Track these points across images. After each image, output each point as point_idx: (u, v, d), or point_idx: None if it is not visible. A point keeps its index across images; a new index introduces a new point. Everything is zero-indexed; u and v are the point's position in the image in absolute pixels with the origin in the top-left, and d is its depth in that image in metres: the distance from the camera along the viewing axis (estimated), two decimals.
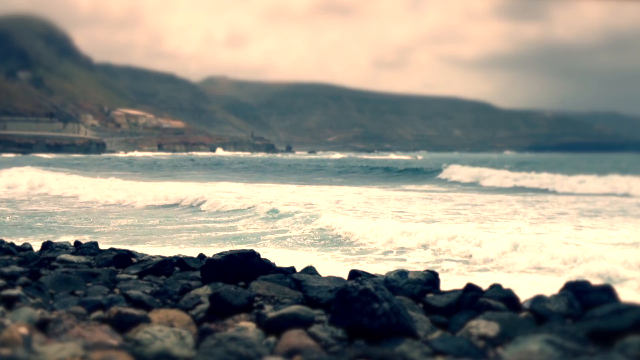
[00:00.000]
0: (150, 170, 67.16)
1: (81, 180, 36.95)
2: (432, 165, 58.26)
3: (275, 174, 58.33)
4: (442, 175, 47.07)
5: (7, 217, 19.91)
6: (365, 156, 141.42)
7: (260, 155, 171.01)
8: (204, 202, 23.14)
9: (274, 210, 19.69)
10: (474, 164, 57.70)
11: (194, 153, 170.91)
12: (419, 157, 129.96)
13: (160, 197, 25.14)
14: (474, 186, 39.38)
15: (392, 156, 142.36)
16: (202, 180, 44.75)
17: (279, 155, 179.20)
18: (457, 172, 46.99)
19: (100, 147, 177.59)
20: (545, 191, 34.84)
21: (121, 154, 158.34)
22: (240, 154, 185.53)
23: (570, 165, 78.21)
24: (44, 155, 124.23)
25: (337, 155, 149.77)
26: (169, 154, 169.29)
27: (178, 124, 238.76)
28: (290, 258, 11.07)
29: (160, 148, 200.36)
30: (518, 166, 66.86)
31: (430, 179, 46.41)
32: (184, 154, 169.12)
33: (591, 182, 35.86)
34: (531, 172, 44.62)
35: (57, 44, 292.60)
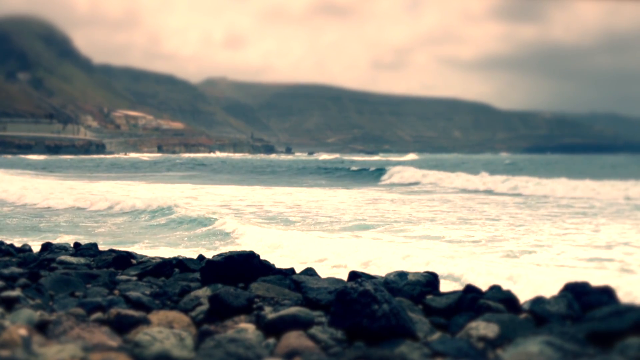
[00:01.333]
0: (119, 171, 68.86)
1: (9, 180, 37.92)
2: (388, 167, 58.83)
3: (238, 174, 60.93)
4: (385, 177, 47.71)
5: None
6: (352, 157, 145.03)
7: (251, 156, 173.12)
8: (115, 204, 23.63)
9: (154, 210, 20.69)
10: (450, 166, 58.51)
11: (184, 155, 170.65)
12: (408, 158, 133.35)
13: (80, 199, 25.51)
14: (409, 187, 39.83)
15: (376, 158, 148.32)
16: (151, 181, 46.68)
17: (272, 156, 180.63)
18: (401, 173, 47.61)
19: (99, 149, 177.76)
20: (484, 192, 34.98)
21: (121, 155, 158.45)
22: (236, 155, 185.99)
23: (551, 167, 78.43)
24: (34, 157, 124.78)
25: (324, 157, 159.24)
26: (160, 155, 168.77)
27: (178, 125, 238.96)
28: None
29: (159, 149, 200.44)
30: (505, 168, 67.15)
31: (375, 180, 47.44)
32: (172, 155, 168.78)
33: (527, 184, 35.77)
34: (482, 173, 44.58)
35: (57, 45, 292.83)
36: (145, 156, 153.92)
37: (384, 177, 47.35)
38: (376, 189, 37.25)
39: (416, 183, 42.17)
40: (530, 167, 73.33)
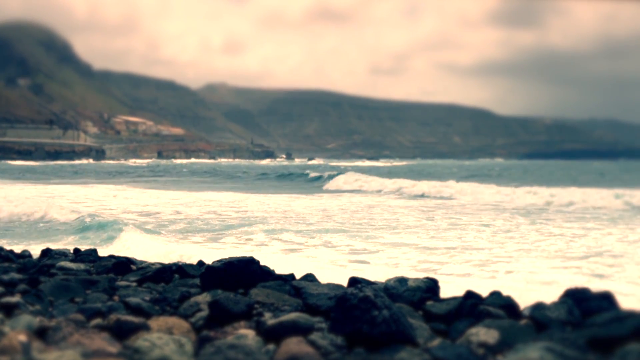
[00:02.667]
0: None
1: None
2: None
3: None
4: (328, 182, 49.10)
5: None
6: (338, 163, 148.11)
7: (245, 162, 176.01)
8: None
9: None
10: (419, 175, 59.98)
11: (176, 161, 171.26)
12: (394, 164, 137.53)
13: None
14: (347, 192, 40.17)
15: (368, 163, 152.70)
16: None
17: (265, 161, 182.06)
18: (344, 179, 48.90)
19: (99, 154, 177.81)
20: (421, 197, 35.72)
21: (117, 162, 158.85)
22: (235, 160, 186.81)
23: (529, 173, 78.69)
24: (21, 163, 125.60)
25: (314, 162, 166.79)
26: (149, 160, 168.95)
27: (178, 131, 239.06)
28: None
29: (159, 155, 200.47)
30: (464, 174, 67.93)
31: (315, 185, 49.05)
32: (165, 161, 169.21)
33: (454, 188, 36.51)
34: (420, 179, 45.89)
35: (57, 51, 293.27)
36: (135, 162, 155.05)
37: (330, 182, 48.44)
38: (309, 195, 37.04)
39: (359, 190, 42.58)
40: (501, 174, 73.91)
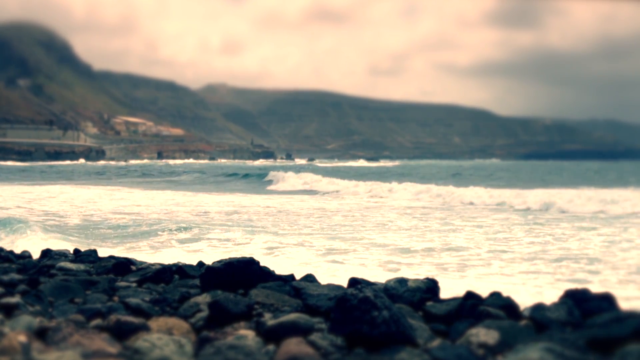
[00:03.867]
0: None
1: None
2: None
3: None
4: (272, 183, 50.85)
5: None
6: (337, 164, 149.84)
7: (236, 161, 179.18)
8: None
9: None
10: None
11: (171, 161, 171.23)
12: (388, 164, 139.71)
13: None
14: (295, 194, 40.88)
15: (364, 164, 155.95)
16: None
17: (258, 162, 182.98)
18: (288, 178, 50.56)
19: (99, 155, 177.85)
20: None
21: (109, 162, 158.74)
22: (233, 161, 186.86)
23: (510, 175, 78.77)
24: (11, 164, 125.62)
25: (302, 162, 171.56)
26: (142, 161, 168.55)
27: (178, 131, 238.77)
28: None
29: (159, 155, 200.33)
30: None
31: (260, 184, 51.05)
32: (160, 162, 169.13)
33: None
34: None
35: (57, 51, 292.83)
36: (128, 162, 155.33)
37: (279, 183, 49.64)
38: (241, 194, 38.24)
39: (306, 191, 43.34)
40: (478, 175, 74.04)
